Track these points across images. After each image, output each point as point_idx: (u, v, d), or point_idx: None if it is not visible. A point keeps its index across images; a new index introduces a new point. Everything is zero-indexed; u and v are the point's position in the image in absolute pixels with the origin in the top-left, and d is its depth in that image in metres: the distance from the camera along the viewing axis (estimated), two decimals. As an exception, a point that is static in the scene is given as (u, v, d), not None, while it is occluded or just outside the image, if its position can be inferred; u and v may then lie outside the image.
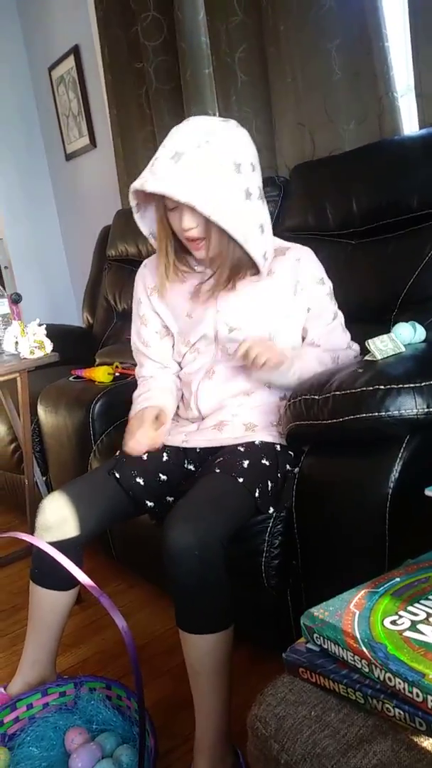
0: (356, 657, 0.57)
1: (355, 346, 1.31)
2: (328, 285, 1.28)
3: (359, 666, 0.57)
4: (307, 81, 1.77)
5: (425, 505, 0.93)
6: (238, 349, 1.15)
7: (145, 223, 1.22)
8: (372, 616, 0.61)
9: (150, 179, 1.06)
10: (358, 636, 0.58)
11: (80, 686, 1.20)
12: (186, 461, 1.25)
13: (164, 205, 1.12)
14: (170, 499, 1.22)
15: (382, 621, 0.60)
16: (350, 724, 0.56)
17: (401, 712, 0.53)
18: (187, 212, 1.08)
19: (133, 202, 1.17)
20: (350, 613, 0.62)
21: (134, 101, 2.49)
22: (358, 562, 1.03)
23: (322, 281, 1.26)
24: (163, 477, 1.22)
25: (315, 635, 0.63)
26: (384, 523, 0.99)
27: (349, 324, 1.44)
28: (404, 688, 0.52)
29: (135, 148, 2.56)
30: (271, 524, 1.14)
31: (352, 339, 1.32)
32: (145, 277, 1.31)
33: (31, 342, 1.51)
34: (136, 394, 1.33)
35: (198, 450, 1.24)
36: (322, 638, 0.62)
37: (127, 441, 1.20)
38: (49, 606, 1.18)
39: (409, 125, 1.64)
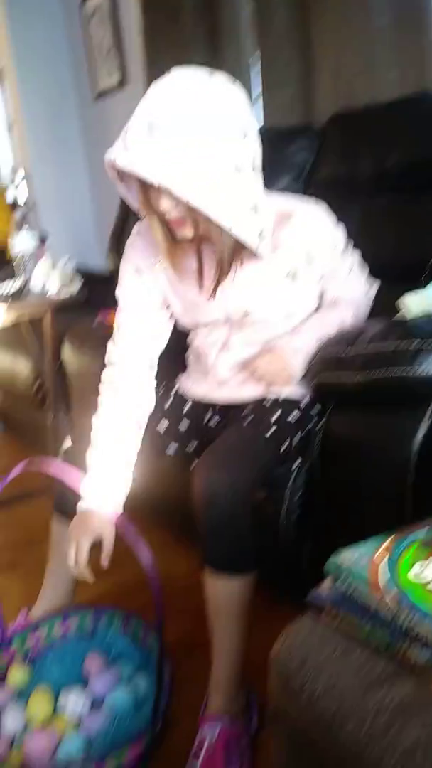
0: (381, 602, 0.59)
1: (373, 289, 1.30)
2: (341, 242, 1.18)
3: (384, 611, 0.59)
4: (349, 25, 1.70)
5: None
6: (247, 368, 1.15)
7: (134, 193, 1.03)
8: (399, 564, 0.63)
9: (122, 153, 0.90)
10: (384, 582, 0.60)
11: (99, 615, 1.25)
12: (208, 413, 1.26)
13: (141, 182, 0.96)
14: (194, 443, 1.24)
15: (408, 570, 0.61)
16: (372, 665, 0.59)
17: (424, 657, 0.55)
18: (164, 193, 0.93)
19: (111, 173, 1.00)
20: (377, 560, 0.64)
21: (169, 38, 2.40)
22: (377, 519, 1.05)
23: (334, 245, 1.16)
24: (186, 422, 1.24)
25: (340, 579, 0.64)
26: (406, 482, 1.00)
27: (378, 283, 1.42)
28: (429, 634, 0.54)
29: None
30: (293, 477, 1.16)
31: (383, 301, 1.29)
32: (143, 249, 1.15)
33: (59, 279, 1.51)
34: (96, 422, 1.15)
35: (217, 407, 1.25)
36: (347, 582, 0.64)
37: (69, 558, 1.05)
38: None
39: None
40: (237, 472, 1.00)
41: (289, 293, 1.14)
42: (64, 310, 1.73)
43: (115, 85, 2.92)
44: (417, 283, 1.37)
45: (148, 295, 1.17)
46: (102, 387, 1.18)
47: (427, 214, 1.45)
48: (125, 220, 2.65)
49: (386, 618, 0.59)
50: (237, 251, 1.02)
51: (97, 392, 1.77)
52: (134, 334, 1.17)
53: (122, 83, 2.87)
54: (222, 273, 1.04)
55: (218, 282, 1.06)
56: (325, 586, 0.67)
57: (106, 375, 1.19)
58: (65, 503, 1.19)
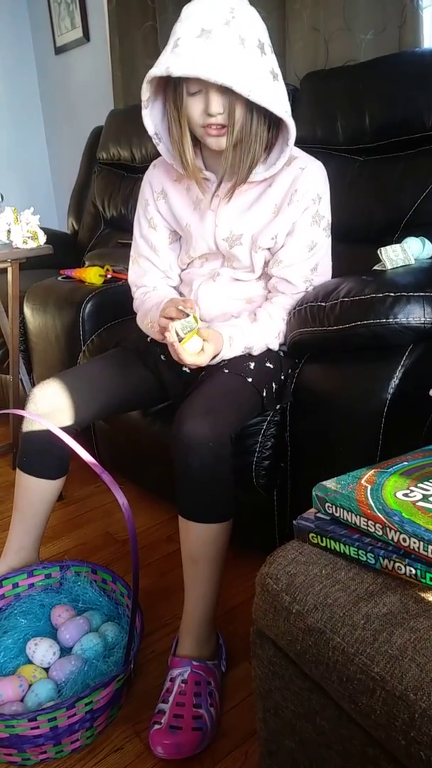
0: (370, 522, 0.60)
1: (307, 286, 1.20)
2: (325, 209, 1.17)
3: (372, 530, 0.60)
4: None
5: (426, 408, 0.97)
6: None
7: (151, 121, 1.10)
8: (383, 490, 0.64)
9: (174, 62, 0.94)
10: (372, 503, 0.61)
11: (66, 569, 1.24)
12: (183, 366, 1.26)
13: (184, 92, 1.01)
14: (174, 393, 1.25)
15: (393, 494, 0.63)
16: (360, 581, 0.60)
17: (413, 570, 0.57)
18: (215, 96, 0.98)
19: (145, 95, 1.04)
20: (362, 487, 0.65)
21: (135, -8, 2.34)
22: (348, 467, 1.07)
23: (318, 199, 1.15)
24: (168, 374, 1.24)
25: (327, 504, 0.65)
26: (379, 430, 1.01)
27: (350, 244, 1.42)
28: (419, 547, 0.55)
29: (133, 44, 2.41)
30: (264, 426, 1.16)
31: (352, 261, 1.29)
32: (153, 179, 1.25)
33: (24, 231, 1.46)
34: (143, 301, 1.26)
35: None
36: (334, 507, 0.64)
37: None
38: (36, 494, 1.19)
39: (431, 39, 1.58)
40: (219, 419, 0.99)
41: (275, 229, 1.15)
42: (23, 271, 1.67)
43: (77, 39, 2.82)
44: (391, 242, 1.39)
45: (156, 225, 1.27)
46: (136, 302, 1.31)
47: (402, 175, 1.46)
48: (87, 181, 2.59)
49: (376, 535, 0.60)
50: (257, 159, 1.07)
51: (59, 350, 1.73)
52: (149, 261, 1.29)
53: (85, 38, 2.77)
54: (240, 179, 1.09)
55: (233, 188, 1.11)
56: (310, 513, 0.68)
57: (138, 294, 1.31)
58: (30, 461, 1.18)
